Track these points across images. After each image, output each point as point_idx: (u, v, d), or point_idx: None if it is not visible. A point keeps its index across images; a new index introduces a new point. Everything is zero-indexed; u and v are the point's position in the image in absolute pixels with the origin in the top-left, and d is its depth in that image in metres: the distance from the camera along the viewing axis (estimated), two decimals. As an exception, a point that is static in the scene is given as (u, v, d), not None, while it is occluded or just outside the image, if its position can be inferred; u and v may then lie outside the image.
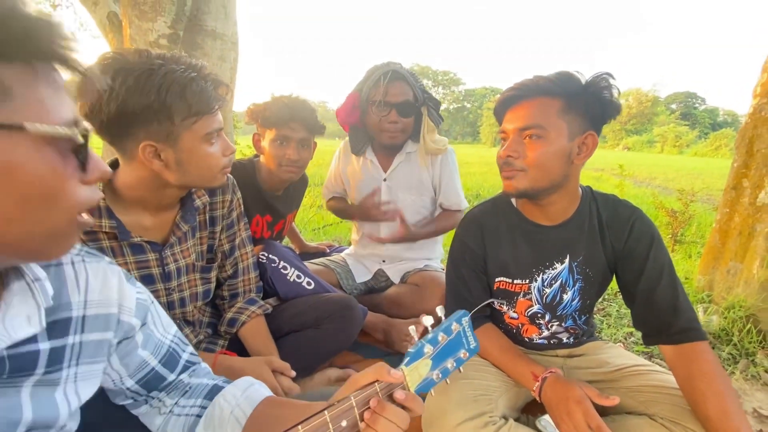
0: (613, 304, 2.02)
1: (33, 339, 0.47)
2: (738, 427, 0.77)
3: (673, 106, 57.79)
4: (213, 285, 1.18)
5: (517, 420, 1.01)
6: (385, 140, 1.56)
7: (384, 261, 1.72)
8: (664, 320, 0.94)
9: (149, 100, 0.81)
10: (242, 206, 1.23)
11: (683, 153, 33.42)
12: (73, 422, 0.54)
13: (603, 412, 0.91)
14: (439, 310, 0.64)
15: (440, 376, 0.62)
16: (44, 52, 0.37)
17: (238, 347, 1.19)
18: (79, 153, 0.41)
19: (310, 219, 3.78)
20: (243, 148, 5.30)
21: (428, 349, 0.61)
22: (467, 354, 0.66)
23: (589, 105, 0.92)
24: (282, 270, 1.31)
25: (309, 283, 1.33)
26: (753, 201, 1.75)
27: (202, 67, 0.90)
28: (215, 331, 1.21)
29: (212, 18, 2.57)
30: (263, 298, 1.30)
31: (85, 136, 0.41)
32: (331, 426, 0.49)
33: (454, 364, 0.64)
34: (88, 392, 0.55)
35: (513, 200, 1.10)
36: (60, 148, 0.39)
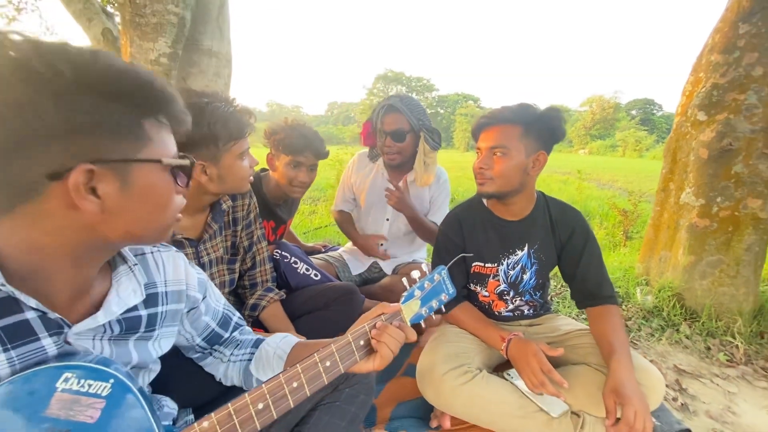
0: (569, 290, 2.35)
1: (135, 308, 0.67)
2: (616, 350, 1.11)
3: (633, 112, 60.90)
4: (237, 275, 1.41)
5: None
6: (386, 160, 1.85)
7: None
8: (591, 291, 1.27)
9: (202, 131, 1.05)
10: (257, 209, 1.46)
11: (643, 156, 35.24)
12: (157, 365, 0.76)
13: (555, 364, 1.20)
14: (424, 266, 0.89)
15: (427, 311, 0.86)
16: (167, 110, 0.55)
17: (260, 329, 1.41)
18: (178, 173, 0.61)
19: (299, 224, 3.99)
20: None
21: (417, 292, 0.85)
22: (447, 296, 0.90)
23: (541, 131, 1.22)
24: (293, 264, 1.55)
25: (316, 275, 1.57)
26: (677, 200, 2.12)
27: (233, 100, 1.15)
28: (239, 315, 1.43)
29: (208, 38, 2.76)
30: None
31: (193, 163, 0.63)
32: (353, 344, 0.74)
33: (438, 303, 0.88)
34: (167, 346, 0.77)
35: (485, 201, 1.39)
36: (169, 170, 0.58)
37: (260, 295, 1.43)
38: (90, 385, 0.51)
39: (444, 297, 0.89)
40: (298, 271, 1.55)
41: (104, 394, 0.52)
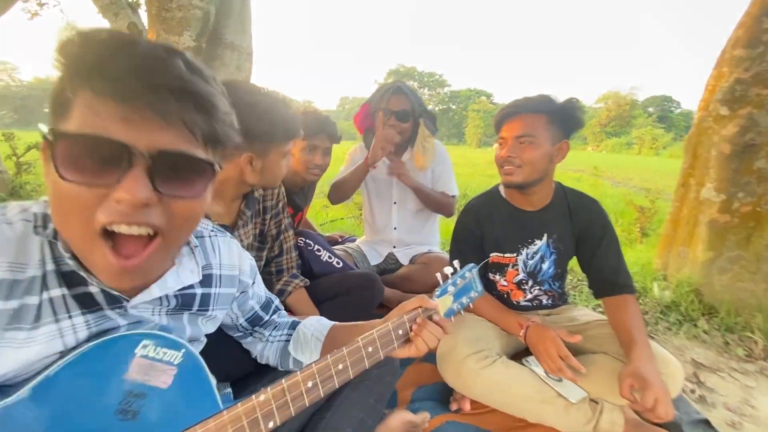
0: (586, 283, 2.36)
1: (191, 286, 0.71)
2: (636, 339, 1.12)
3: (650, 110, 59.55)
4: (263, 262, 1.46)
5: (508, 362, 1.32)
6: None
7: (395, 246, 2.02)
8: (609, 280, 1.29)
9: (263, 126, 1.11)
10: (285, 198, 1.51)
11: (660, 155, 34.52)
12: (204, 340, 0.80)
13: (574, 353, 1.22)
14: (456, 263, 0.93)
15: (459, 307, 0.91)
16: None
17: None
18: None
19: (314, 217, 4.06)
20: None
21: (450, 288, 0.89)
22: (476, 294, 0.95)
23: (564, 120, 1.25)
24: (317, 252, 1.60)
25: (338, 263, 1.62)
26: (697, 196, 2.11)
27: (291, 102, 1.21)
28: (265, 300, 1.49)
29: (231, 32, 2.82)
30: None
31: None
32: (393, 333, 0.77)
33: (467, 300, 0.93)
34: (212, 328, 0.80)
35: (502, 191, 1.41)
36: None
37: (286, 281, 1.48)
38: (165, 353, 0.55)
39: (474, 294, 0.93)
40: (321, 258, 1.60)
41: (176, 362, 0.57)
